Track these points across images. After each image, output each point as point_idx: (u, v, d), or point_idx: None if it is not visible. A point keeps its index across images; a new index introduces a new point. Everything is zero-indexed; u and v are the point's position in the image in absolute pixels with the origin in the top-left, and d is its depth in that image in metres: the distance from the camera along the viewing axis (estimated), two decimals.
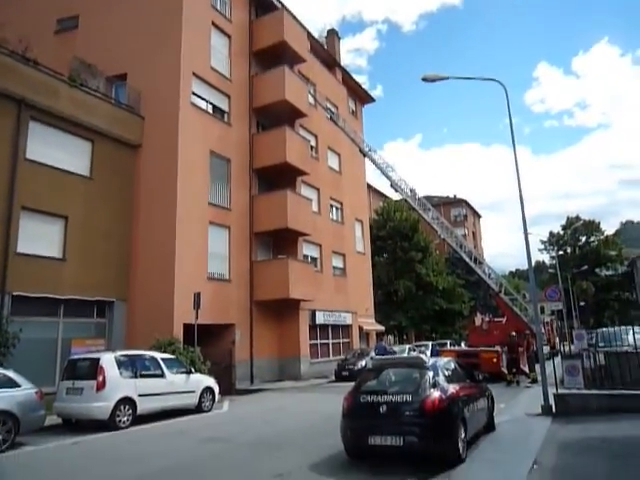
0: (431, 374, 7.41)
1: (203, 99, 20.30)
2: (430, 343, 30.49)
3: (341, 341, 27.10)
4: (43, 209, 15.35)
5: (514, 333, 19.10)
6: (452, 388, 7.54)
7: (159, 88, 18.87)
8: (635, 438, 8.22)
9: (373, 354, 20.78)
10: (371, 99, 35.27)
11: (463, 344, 28.14)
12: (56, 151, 15.95)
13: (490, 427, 9.19)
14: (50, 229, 15.71)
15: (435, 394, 7.03)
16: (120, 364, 11.43)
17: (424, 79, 13.45)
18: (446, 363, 8.52)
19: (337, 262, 27.71)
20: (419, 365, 7.82)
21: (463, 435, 7.18)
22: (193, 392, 13.12)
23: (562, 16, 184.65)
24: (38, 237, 15.18)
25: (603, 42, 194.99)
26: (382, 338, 34.27)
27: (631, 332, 12.42)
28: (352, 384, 8.33)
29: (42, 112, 15.50)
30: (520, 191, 12.86)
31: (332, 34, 33.25)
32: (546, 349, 20.58)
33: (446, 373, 7.89)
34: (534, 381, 17.36)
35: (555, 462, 6.94)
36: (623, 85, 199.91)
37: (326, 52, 30.19)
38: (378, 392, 7.33)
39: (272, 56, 23.53)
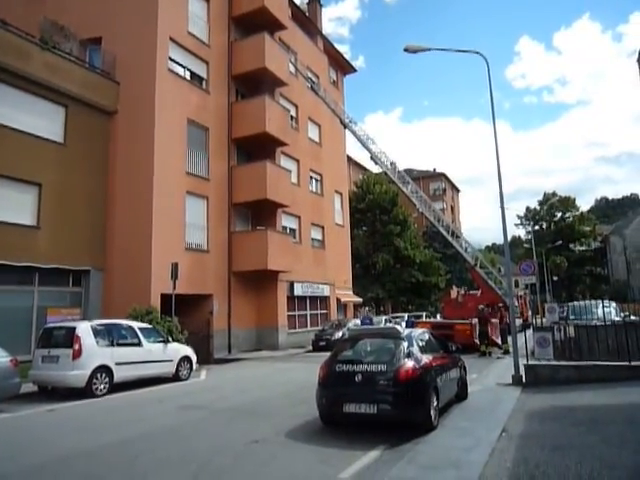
0: (405, 344, 7.62)
1: (180, 65, 19.74)
2: (406, 315, 31.17)
3: (319, 312, 27.37)
4: (15, 176, 14.92)
5: (482, 306, 19.53)
6: (425, 358, 7.73)
7: (135, 53, 18.27)
8: (598, 406, 8.57)
9: (358, 322, 22.01)
10: (353, 69, 34.78)
11: (438, 316, 28.70)
12: (28, 116, 15.43)
13: (462, 396, 9.47)
14: (23, 196, 15.33)
15: (409, 364, 7.24)
16: (96, 333, 11.41)
17: (406, 50, 13.30)
18: (420, 334, 8.74)
19: (316, 234, 27.73)
20: (394, 335, 8.03)
21: (435, 403, 7.42)
22: (170, 361, 13.19)
23: None
24: (11, 204, 14.82)
25: (585, 18, 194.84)
26: (360, 310, 34.72)
27: (600, 306, 12.82)
28: (329, 354, 8.48)
29: (12, 75, 14.91)
30: (498, 166, 12.97)
31: (314, 1, 32.38)
32: (519, 322, 21.09)
33: (420, 344, 8.09)
34: (506, 352, 17.84)
35: (523, 429, 7.20)
36: (603, 62, 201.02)
37: (308, 20, 29.51)
38: (354, 361, 7.51)
39: (252, 22, 22.89)
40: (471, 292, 25.28)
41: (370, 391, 7.06)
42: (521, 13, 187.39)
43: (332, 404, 7.40)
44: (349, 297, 30.91)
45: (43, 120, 15.93)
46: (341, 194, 31.79)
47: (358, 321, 23.02)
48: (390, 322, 25.62)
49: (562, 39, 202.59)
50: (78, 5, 19.43)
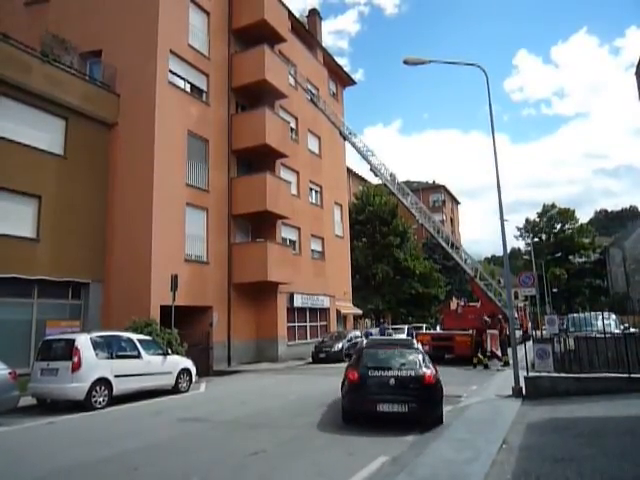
0: (421, 354, 9.10)
1: (181, 77, 19.90)
2: (406, 327, 31.10)
3: (319, 324, 27.31)
4: (15, 188, 14.95)
5: (486, 318, 19.51)
6: (432, 366, 8.89)
7: (135, 65, 18.43)
8: (599, 418, 8.55)
9: (358, 333, 24.57)
10: (352, 82, 35.06)
11: (438, 328, 28.63)
12: (29, 129, 15.51)
13: None
14: (23, 209, 15.36)
15: (429, 371, 8.60)
16: (96, 345, 11.36)
17: (405, 62, 13.43)
18: (422, 346, 10.19)
19: (316, 246, 27.77)
20: (409, 346, 9.52)
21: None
22: (170, 373, 13.13)
23: (543, 4, 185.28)
24: (11, 217, 14.83)
25: (582, 32, 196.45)
26: (360, 322, 34.70)
27: (600, 318, 12.81)
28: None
29: (13, 88, 15.01)
30: (498, 178, 13.05)
31: (314, 14, 32.79)
32: (518, 333, 21.04)
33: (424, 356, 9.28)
34: (506, 364, 17.79)
35: (523, 441, 7.18)
36: (601, 75, 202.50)
37: (307, 32, 29.81)
38: (384, 368, 8.68)
39: (252, 35, 23.12)
40: (471, 304, 25.25)
41: (402, 393, 8.31)
42: (519, 27, 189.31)
43: (366, 404, 8.44)
44: (349, 309, 30.86)
45: (43, 132, 16.02)
46: (341, 206, 31.88)
47: (358, 332, 24.48)
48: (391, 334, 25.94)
49: (560, 53, 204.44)
50: (79, 18, 19.63)
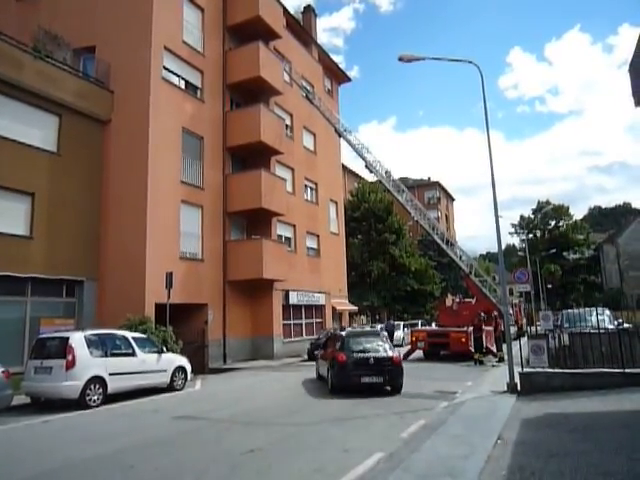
0: (387, 342, 12.80)
1: (175, 74, 19.79)
2: (402, 323, 31.26)
3: (314, 321, 27.30)
4: (8, 185, 14.84)
5: (482, 314, 19.56)
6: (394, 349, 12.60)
7: (129, 62, 18.31)
8: (593, 413, 8.59)
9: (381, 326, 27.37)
10: (347, 79, 34.96)
11: (433, 324, 28.71)
12: (21, 125, 15.39)
13: None
14: (16, 206, 15.24)
15: (395, 353, 12.29)
16: (90, 343, 11.32)
17: (400, 59, 13.41)
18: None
19: (311, 243, 27.74)
20: (378, 335, 13.55)
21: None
22: (165, 371, 13.11)
23: (536, 2, 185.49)
24: (4, 214, 14.70)
25: (575, 30, 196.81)
26: (355, 319, 34.75)
27: (594, 314, 12.87)
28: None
29: (5, 84, 14.88)
30: (492, 175, 13.06)
31: (309, 11, 32.66)
32: (513, 329, 21.12)
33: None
34: (501, 360, 17.84)
35: (518, 437, 7.20)
36: (594, 73, 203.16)
37: (302, 29, 29.70)
38: (365, 351, 12.02)
39: (247, 31, 23.02)
40: (466, 300, 25.30)
41: (379, 369, 11.67)
42: (512, 24, 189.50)
43: (353, 377, 11.57)
44: (344, 306, 30.87)
45: (36, 129, 15.90)
46: (336, 202, 31.84)
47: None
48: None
49: (553, 50, 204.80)
50: (72, 13, 19.49)
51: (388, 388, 11.90)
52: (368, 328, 23.95)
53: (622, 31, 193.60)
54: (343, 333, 13.90)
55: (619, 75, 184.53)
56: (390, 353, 12.00)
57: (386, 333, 24.76)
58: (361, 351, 11.96)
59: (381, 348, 12.17)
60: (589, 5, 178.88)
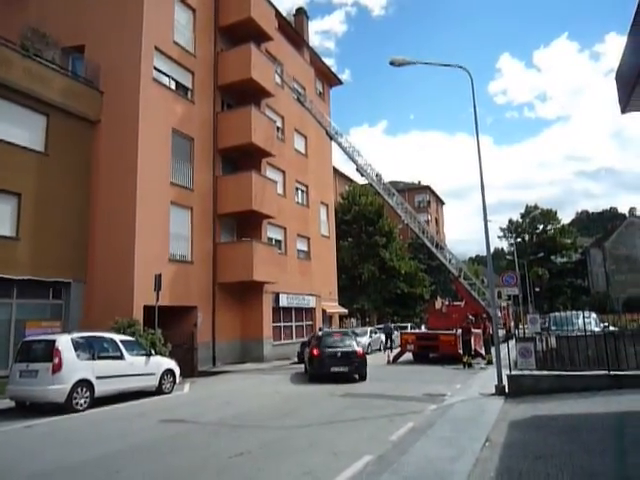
0: (354, 339, 16.26)
1: (165, 75, 19.69)
2: (391, 326, 31.32)
3: (304, 324, 27.25)
4: None
5: (470, 317, 19.68)
6: (361, 345, 16.55)
7: (119, 62, 18.18)
8: (579, 415, 8.66)
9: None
10: (339, 81, 35.02)
11: (423, 327, 28.82)
12: (8, 125, 15.21)
13: None
14: (2, 207, 15.05)
15: (360, 348, 15.51)
16: (77, 346, 11.17)
17: (392, 63, 13.48)
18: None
19: (302, 245, 27.71)
20: (348, 335, 17.01)
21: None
22: (153, 374, 12.99)
23: (525, 9, 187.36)
24: None
25: (563, 37, 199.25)
26: (345, 322, 34.77)
27: (581, 317, 13.01)
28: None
29: None
30: (482, 179, 13.15)
31: (301, 13, 32.68)
32: (502, 332, 21.24)
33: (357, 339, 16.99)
34: (489, 363, 17.94)
35: (506, 439, 7.24)
36: (582, 80, 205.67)
37: (294, 31, 29.70)
38: (335, 347, 15.15)
39: (238, 33, 22.98)
40: (455, 303, 25.43)
41: (346, 361, 14.80)
42: (502, 31, 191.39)
43: (325, 367, 14.73)
44: (335, 308, 30.86)
45: (24, 129, 15.72)
46: (327, 205, 31.85)
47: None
48: (375, 333, 28.66)
49: (542, 57, 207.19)
50: (61, 12, 19.32)
51: (356, 376, 15.02)
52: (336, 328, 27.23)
53: (609, 39, 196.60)
54: (320, 333, 17.68)
55: (606, 82, 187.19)
56: (356, 348, 15.18)
57: (383, 335, 27.90)
58: (332, 347, 15.10)
59: (349, 345, 15.36)
60: (577, 13, 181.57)
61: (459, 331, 19.12)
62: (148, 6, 18.56)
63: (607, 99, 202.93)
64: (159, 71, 19.26)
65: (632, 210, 63.63)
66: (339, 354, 14.77)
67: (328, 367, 14.63)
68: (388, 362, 20.55)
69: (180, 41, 20.48)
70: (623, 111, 7.44)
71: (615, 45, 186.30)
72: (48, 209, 16.02)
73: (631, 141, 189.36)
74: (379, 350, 27.04)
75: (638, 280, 62.60)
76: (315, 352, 14.94)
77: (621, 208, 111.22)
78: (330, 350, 14.89)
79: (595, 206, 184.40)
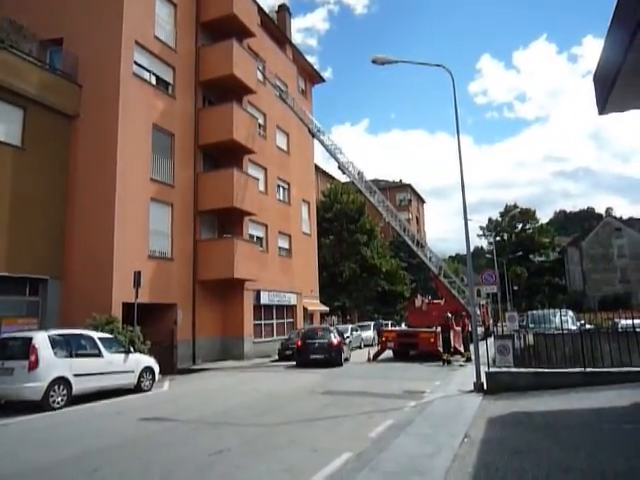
0: (333, 332, 19.63)
1: (146, 69, 19.44)
2: (372, 323, 31.58)
3: (285, 321, 27.24)
4: None
5: (449, 314, 19.82)
6: (339, 338, 19.54)
7: (98, 56, 17.89)
8: (555, 411, 8.83)
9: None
10: (321, 79, 35.03)
11: (403, 324, 29.03)
12: None
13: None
14: None
15: (335, 340, 18.96)
16: (54, 343, 11.01)
17: (374, 61, 13.53)
18: (335, 330, 20.70)
19: (283, 243, 27.67)
20: (328, 330, 20.29)
21: (343, 355, 19.39)
22: (132, 372, 12.87)
23: (504, 11, 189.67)
24: None
25: (542, 39, 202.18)
26: (326, 319, 34.83)
27: (558, 315, 13.28)
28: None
29: None
30: (462, 179, 13.27)
31: (283, 10, 32.58)
32: (481, 330, 21.50)
33: (336, 332, 20.06)
34: (468, 360, 18.15)
35: (484, 435, 7.34)
36: (560, 81, 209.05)
37: (277, 28, 29.60)
38: (314, 339, 18.99)
39: (220, 29, 22.79)
40: (435, 301, 25.64)
41: (322, 350, 18.51)
42: (482, 32, 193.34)
43: (306, 355, 18.56)
44: (316, 306, 30.91)
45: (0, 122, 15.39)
46: (308, 203, 31.86)
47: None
48: (357, 330, 29.28)
49: (521, 58, 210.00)
50: (39, 3, 18.89)
51: (334, 363, 18.39)
52: (369, 332, 30.29)
53: (586, 42, 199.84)
54: (304, 329, 22.67)
55: (583, 83, 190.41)
56: (332, 340, 18.86)
57: (376, 332, 28.02)
58: (312, 339, 19.06)
59: (326, 337, 18.93)
60: (554, 16, 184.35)
61: (438, 329, 19.28)
62: (128, 0, 18.29)
63: (585, 100, 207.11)
64: (139, 66, 19.01)
65: (609, 210, 65.12)
66: (316, 344, 18.66)
67: (308, 355, 18.51)
68: (368, 360, 20.64)
69: (161, 36, 20.24)
70: (601, 112, 7.56)
71: (592, 47, 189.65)
72: (25, 204, 15.69)
73: (608, 142, 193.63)
74: (359, 348, 27.12)
75: (613, 279, 64.12)
76: (299, 343, 19.11)
77: (598, 208, 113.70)
78: (310, 341, 18.88)
79: (573, 206, 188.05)
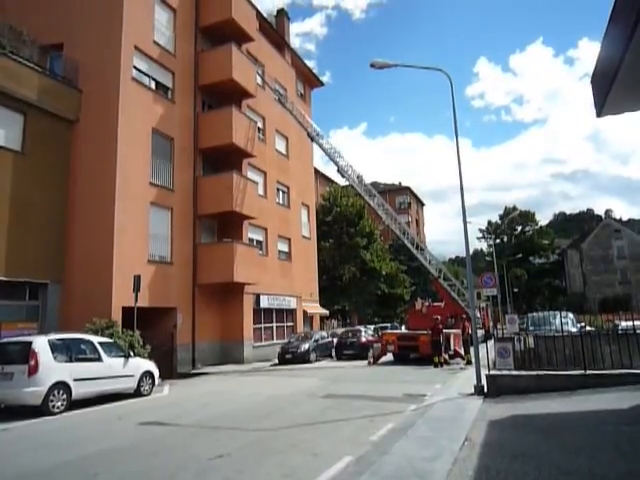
0: (364, 334, 24.59)
1: (145, 74, 19.49)
2: (372, 327, 31.56)
3: (285, 325, 27.22)
4: None
5: (438, 317, 19.69)
6: (368, 337, 24.24)
7: (98, 61, 17.95)
8: (556, 414, 8.81)
9: (324, 334, 29.02)
10: (320, 83, 35.06)
11: (403, 327, 28.99)
12: None
13: None
14: None
15: (364, 338, 23.85)
16: (54, 348, 11.00)
17: (372, 65, 13.55)
18: (365, 330, 25.52)
19: (282, 246, 27.67)
20: (360, 331, 25.28)
21: (371, 352, 21.36)
22: (132, 376, 12.85)
23: (500, 15, 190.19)
24: None
25: (538, 42, 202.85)
26: (326, 323, 34.83)
27: (558, 317, 13.23)
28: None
29: None
30: (461, 181, 13.28)
31: (282, 15, 32.66)
32: (481, 333, 21.47)
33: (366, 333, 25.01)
34: (469, 363, 18.11)
35: (484, 438, 7.32)
36: (557, 84, 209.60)
37: (275, 33, 29.68)
38: (348, 338, 24.44)
39: (219, 33, 22.87)
40: (435, 304, 25.60)
41: (353, 347, 23.56)
42: (479, 36, 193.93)
43: (340, 351, 23.66)
44: (316, 309, 30.88)
45: (0, 127, 15.41)
46: (308, 206, 31.86)
47: (324, 333, 26.54)
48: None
49: (518, 61, 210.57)
50: (39, 9, 18.97)
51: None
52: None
53: (582, 45, 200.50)
54: (340, 332, 26.63)
55: (581, 86, 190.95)
56: (361, 339, 23.59)
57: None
58: (345, 338, 24.29)
59: (356, 337, 23.84)
60: (550, 19, 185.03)
61: (429, 332, 19.11)
62: (128, 5, 18.37)
63: (582, 103, 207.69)
64: (139, 71, 19.06)
65: (608, 212, 65.07)
66: (348, 342, 23.65)
67: (342, 350, 23.46)
68: (369, 363, 20.60)
69: (160, 41, 20.30)
70: (599, 115, 7.57)
71: (588, 50, 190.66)
72: (25, 209, 15.71)
73: (607, 144, 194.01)
74: None
75: (613, 281, 64.08)
76: (338, 342, 23.99)
77: (597, 210, 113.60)
78: (344, 340, 24.02)
79: (572, 207, 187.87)
